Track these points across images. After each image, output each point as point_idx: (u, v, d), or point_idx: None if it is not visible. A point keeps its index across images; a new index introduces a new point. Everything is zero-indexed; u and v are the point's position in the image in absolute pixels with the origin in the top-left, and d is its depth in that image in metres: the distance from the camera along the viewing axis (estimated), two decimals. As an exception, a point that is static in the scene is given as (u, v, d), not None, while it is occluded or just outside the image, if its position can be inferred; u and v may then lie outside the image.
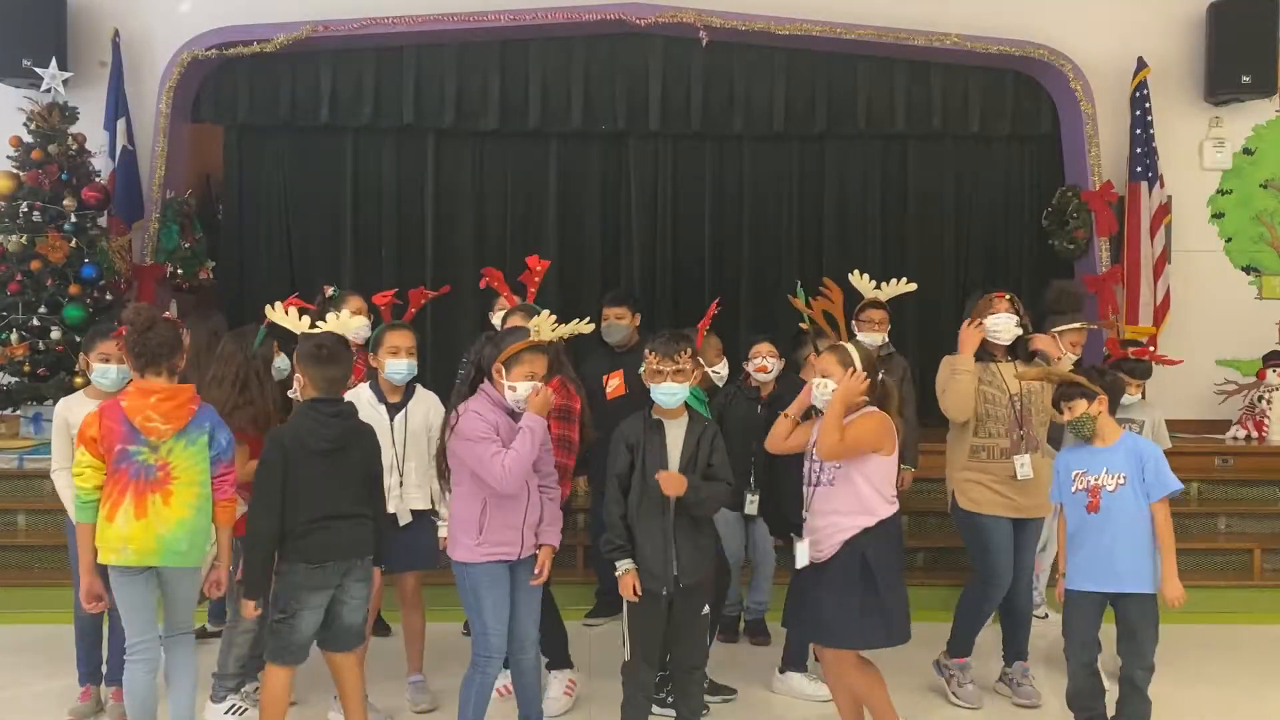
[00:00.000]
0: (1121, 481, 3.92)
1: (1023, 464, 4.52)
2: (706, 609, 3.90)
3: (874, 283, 5.56)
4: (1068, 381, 4.06)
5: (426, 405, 4.49)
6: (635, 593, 3.75)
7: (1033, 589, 4.96)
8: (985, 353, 4.63)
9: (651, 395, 3.81)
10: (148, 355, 3.66)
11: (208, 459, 3.70)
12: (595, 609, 5.64)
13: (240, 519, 3.84)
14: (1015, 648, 4.75)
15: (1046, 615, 5.66)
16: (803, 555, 3.81)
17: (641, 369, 3.86)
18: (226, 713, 4.27)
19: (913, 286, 5.50)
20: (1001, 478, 4.53)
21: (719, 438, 3.89)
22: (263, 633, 3.98)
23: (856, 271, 5.44)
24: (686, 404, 3.87)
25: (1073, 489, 4.01)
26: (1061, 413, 4.09)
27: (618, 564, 3.78)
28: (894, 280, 5.48)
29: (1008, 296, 4.65)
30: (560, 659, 4.56)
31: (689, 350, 3.82)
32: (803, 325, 4.93)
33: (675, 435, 3.82)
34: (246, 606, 3.70)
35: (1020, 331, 4.62)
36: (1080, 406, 3.99)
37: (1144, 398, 4.92)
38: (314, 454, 3.65)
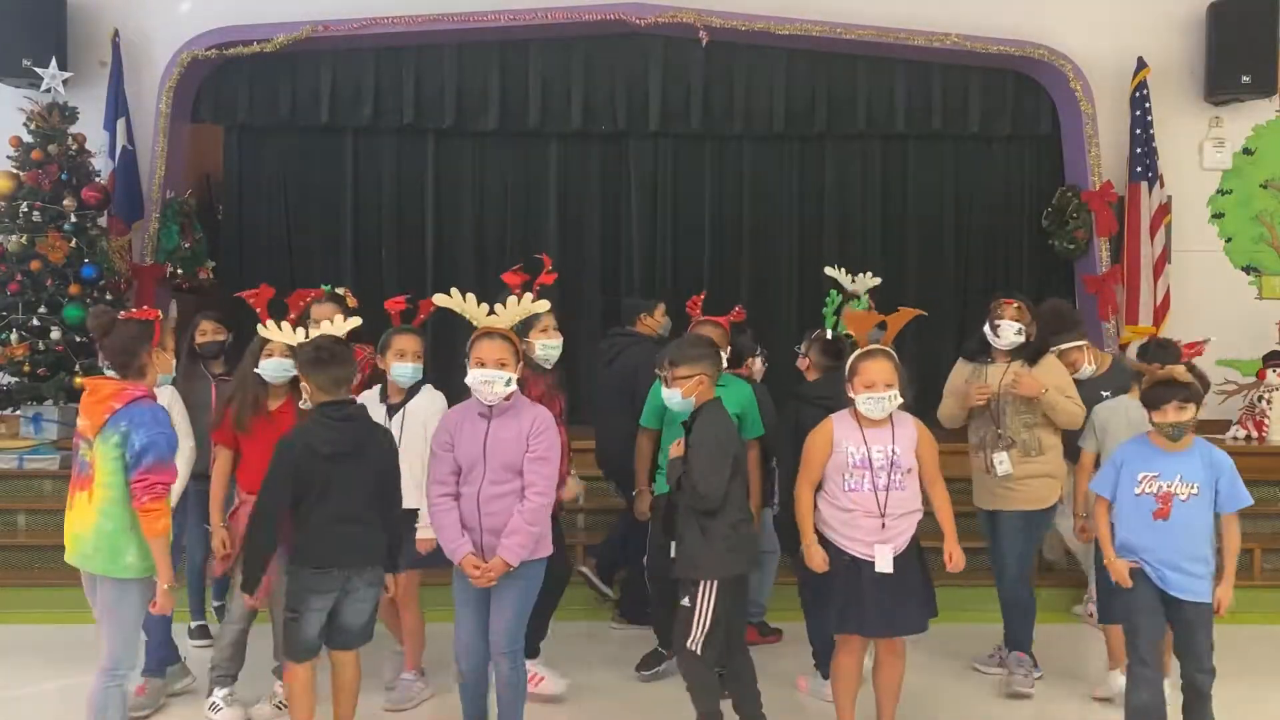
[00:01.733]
0: (1194, 491, 3.82)
1: (1001, 461, 4.63)
2: (686, 601, 3.89)
3: (850, 275, 5.61)
4: (1183, 382, 3.84)
5: (428, 407, 4.46)
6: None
7: (1025, 589, 4.94)
8: (985, 356, 4.76)
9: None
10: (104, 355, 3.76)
11: (120, 461, 3.49)
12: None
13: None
14: (1011, 638, 4.83)
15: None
16: (887, 560, 3.82)
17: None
18: (209, 708, 4.34)
19: (877, 280, 5.60)
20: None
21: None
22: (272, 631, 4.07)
23: (837, 266, 5.54)
24: None
25: (1137, 491, 3.87)
26: (1161, 411, 3.84)
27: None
28: (865, 274, 5.59)
29: (1015, 304, 4.71)
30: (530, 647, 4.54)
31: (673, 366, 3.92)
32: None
33: None
34: (244, 600, 3.78)
35: (1021, 340, 4.67)
36: (1192, 411, 3.82)
37: None
38: (322, 459, 3.66)
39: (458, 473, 3.78)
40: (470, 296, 3.90)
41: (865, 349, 3.97)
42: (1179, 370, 3.92)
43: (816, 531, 3.94)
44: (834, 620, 3.95)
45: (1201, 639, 3.86)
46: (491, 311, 3.85)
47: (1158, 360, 4.45)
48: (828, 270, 5.62)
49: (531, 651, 4.49)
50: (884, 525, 3.83)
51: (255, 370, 4.32)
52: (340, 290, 5.28)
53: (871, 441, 3.87)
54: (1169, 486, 3.82)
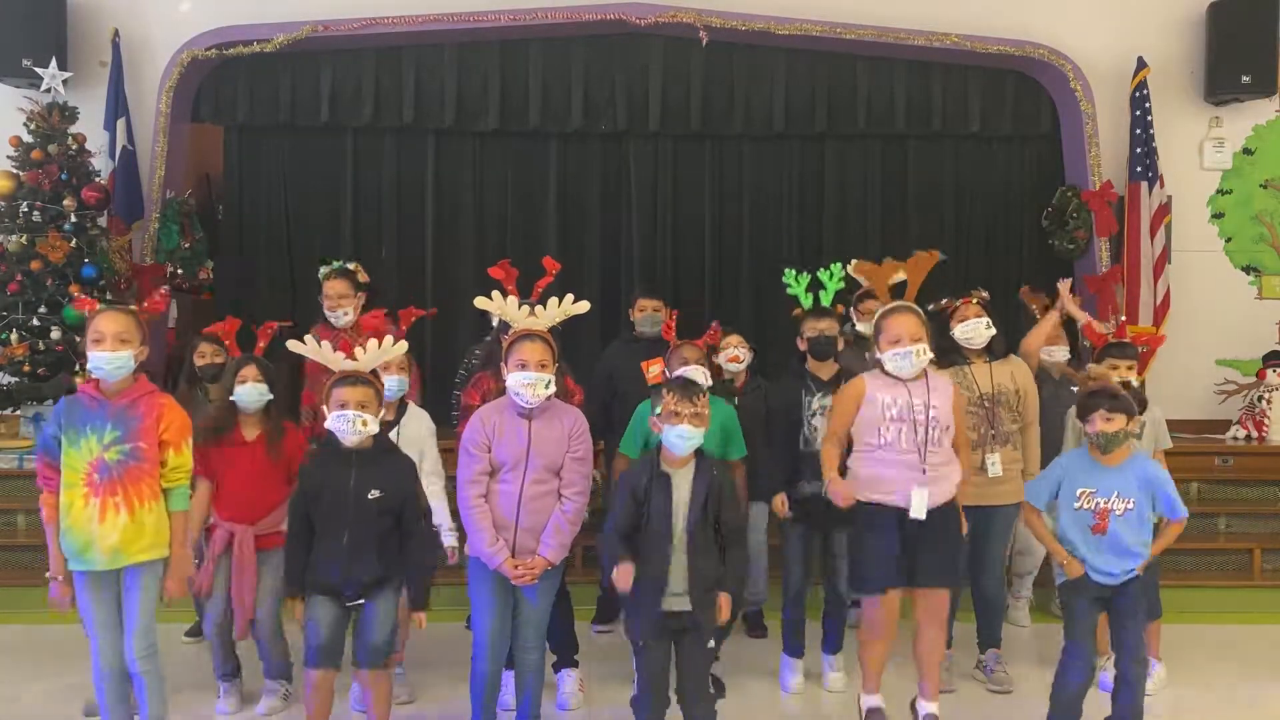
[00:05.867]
0: (1130, 506, 3.86)
1: (993, 462, 4.61)
2: (712, 643, 3.81)
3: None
4: (1112, 390, 3.86)
5: (419, 423, 4.51)
6: (628, 582, 3.66)
7: (1004, 588, 5.03)
8: (960, 356, 4.71)
9: (663, 439, 3.68)
10: None
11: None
12: (599, 614, 5.62)
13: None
14: (988, 636, 4.86)
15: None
16: (922, 505, 3.77)
17: (657, 409, 3.75)
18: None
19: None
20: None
21: (728, 486, 3.76)
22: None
23: (855, 261, 5.46)
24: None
25: (1076, 505, 3.91)
26: (1090, 419, 3.87)
27: (618, 564, 3.69)
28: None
29: (975, 300, 4.71)
30: (568, 658, 4.59)
31: (705, 395, 3.73)
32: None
33: (682, 485, 3.68)
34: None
35: (991, 334, 4.68)
36: (1121, 422, 3.83)
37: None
38: None
39: (488, 473, 3.78)
40: (511, 299, 3.92)
41: (890, 305, 3.91)
42: (1109, 378, 3.95)
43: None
44: (880, 573, 3.83)
45: (1133, 629, 3.93)
46: (531, 313, 3.86)
47: (1112, 357, 4.53)
48: (849, 269, 5.45)
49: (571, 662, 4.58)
50: (925, 472, 3.79)
51: (230, 399, 4.28)
52: (351, 265, 5.29)
53: (908, 394, 3.82)
54: (1106, 503, 3.86)
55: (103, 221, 6.92)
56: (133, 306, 3.73)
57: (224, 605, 4.35)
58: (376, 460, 3.69)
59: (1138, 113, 7.51)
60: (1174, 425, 7.17)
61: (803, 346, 4.69)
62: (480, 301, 3.94)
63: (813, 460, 4.46)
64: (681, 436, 3.62)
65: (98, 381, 3.60)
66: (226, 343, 4.73)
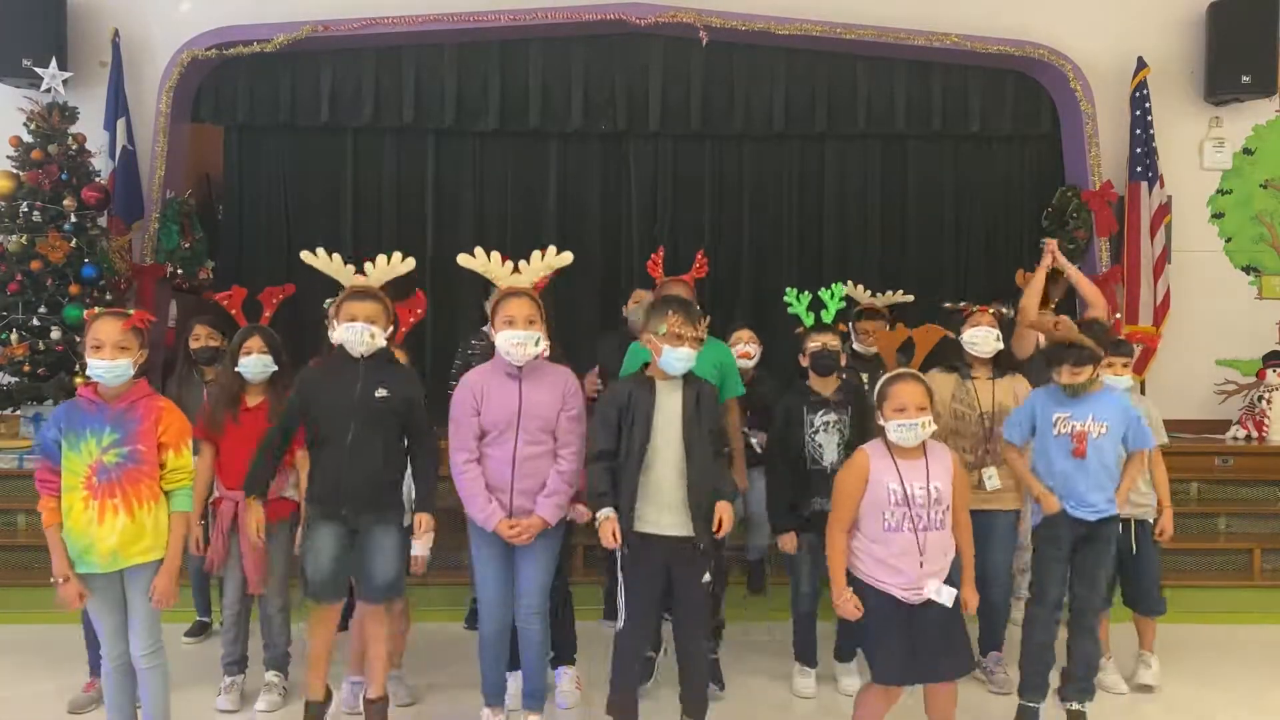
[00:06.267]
0: (1105, 430, 4.08)
1: (990, 476, 4.64)
2: (707, 577, 3.76)
3: (869, 292, 5.60)
4: (1078, 344, 4.06)
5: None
6: (615, 539, 3.65)
7: (1010, 588, 5.01)
8: (964, 366, 4.72)
9: (661, 360, 3.66)
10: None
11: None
12: (607, 610, 5.61)
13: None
14: (990, 639, 4.86)
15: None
16: (941, 591, 3.59)
17: (660, 329, 3.68)
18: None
19: (909, 298, 5.53)
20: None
21: (716, 396, 3.81)
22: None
23: (851, 282, 5.48)
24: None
25: (1055, 432, 4.12)
26: (1057, 370, 4.10)
27: (598, 513, 3.67)
28: (889, 291, 5.54)
29: (990, 311, 4.72)
30: (566, 655, 4.57)
31: (708, 320, 3.79)
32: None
33: (669, 398, 3.69)
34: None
35: (999, 347, 4.69)
36: (1088, 372, 4.06)
37: (1144, 393, 4.92)
38: None
39: (480, 437, 3.76)
40: (494, 255, 3.89)
41: (894, 372, 3.80)
42: (1073, 335, 4.14)
43: (852, 576, 3.70)
44: (895, 670, 3.62)
45: (1102, 568, 4.18)
46: (515, 269, 3.83)
47: (1107, 355, 4.53)
48: (847, 289, 5.39)
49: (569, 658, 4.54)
50: (922, 565, 3.58)
51: (235, 369, 4.33)
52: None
53: (910, 476, 3.61)
54: (1082, 426, 4.10)
55: (103, 221, 6.92)
56: (130, 311, 3.71)
57: (240, 587, 4.38)
58: (382, 367, 3.82)
59: (1138, 113, 7.52)
60: (1174, 425, 7.23)
61: (805, 362, 4.65)
62: (463, 259, 3.89)
63: (818, 477, 4.44)
64: (681, 359, 3.67)
65: (96, 385, 3.60)
66: (232, 312, 4.72)
